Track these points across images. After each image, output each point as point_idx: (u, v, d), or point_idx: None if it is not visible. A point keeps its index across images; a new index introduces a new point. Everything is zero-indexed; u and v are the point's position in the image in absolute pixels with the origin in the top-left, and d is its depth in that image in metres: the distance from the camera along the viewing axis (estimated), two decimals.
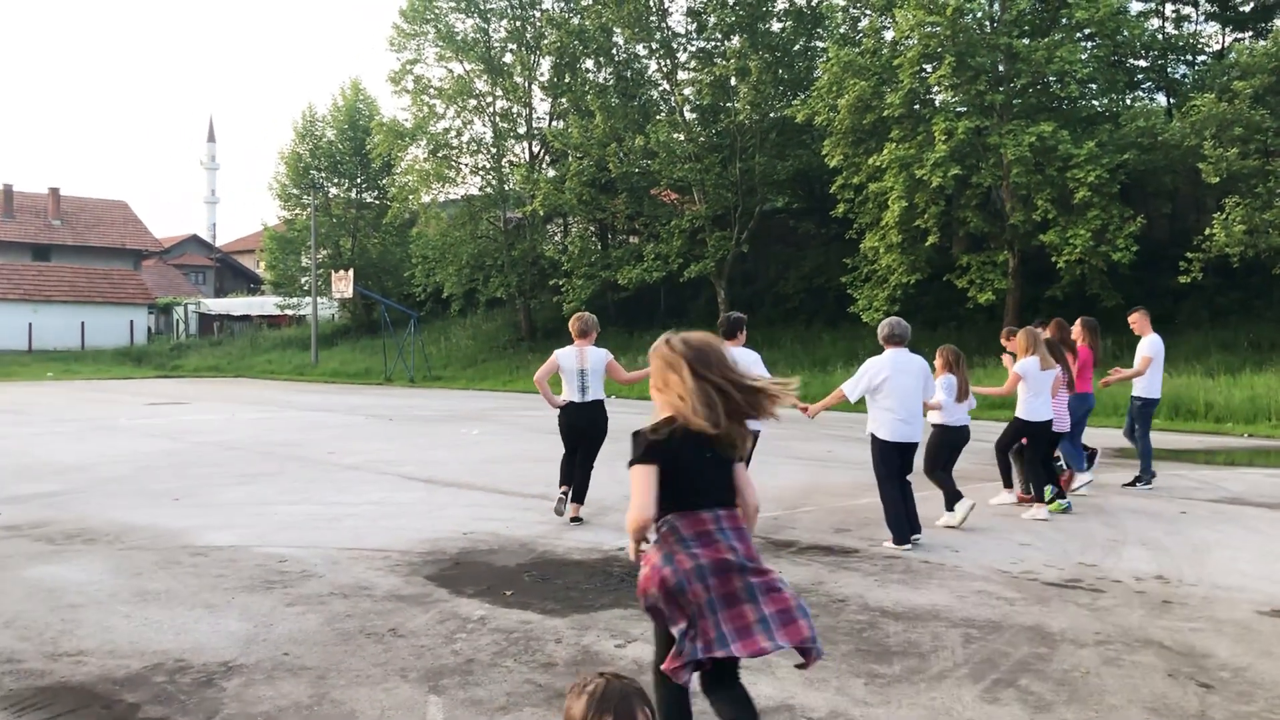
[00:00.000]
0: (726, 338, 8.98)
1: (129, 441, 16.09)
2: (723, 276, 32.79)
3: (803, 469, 12.70)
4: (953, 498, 9.02)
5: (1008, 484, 10.42)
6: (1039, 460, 9.74)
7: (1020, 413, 9.63)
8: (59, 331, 50.94)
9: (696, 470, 3.72)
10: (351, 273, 39.41)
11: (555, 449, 9.58)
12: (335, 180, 47.73)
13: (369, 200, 47.97)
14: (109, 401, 25.94)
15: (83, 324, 51.86)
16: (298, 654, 5.41)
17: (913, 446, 8.29)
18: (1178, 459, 14.04)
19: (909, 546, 8.03)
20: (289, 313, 50.90)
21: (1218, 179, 22.48)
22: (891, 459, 8.21)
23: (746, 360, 8.81)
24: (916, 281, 26.47)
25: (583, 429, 9.19)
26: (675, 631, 3.63)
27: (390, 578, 7.06)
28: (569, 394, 9.13)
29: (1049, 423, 9.67)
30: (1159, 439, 16.31)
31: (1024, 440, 9.92)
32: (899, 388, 8.15)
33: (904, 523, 8.11)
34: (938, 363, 9.14)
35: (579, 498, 9.21)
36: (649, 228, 35.39)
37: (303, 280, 47.54)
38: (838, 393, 8.59)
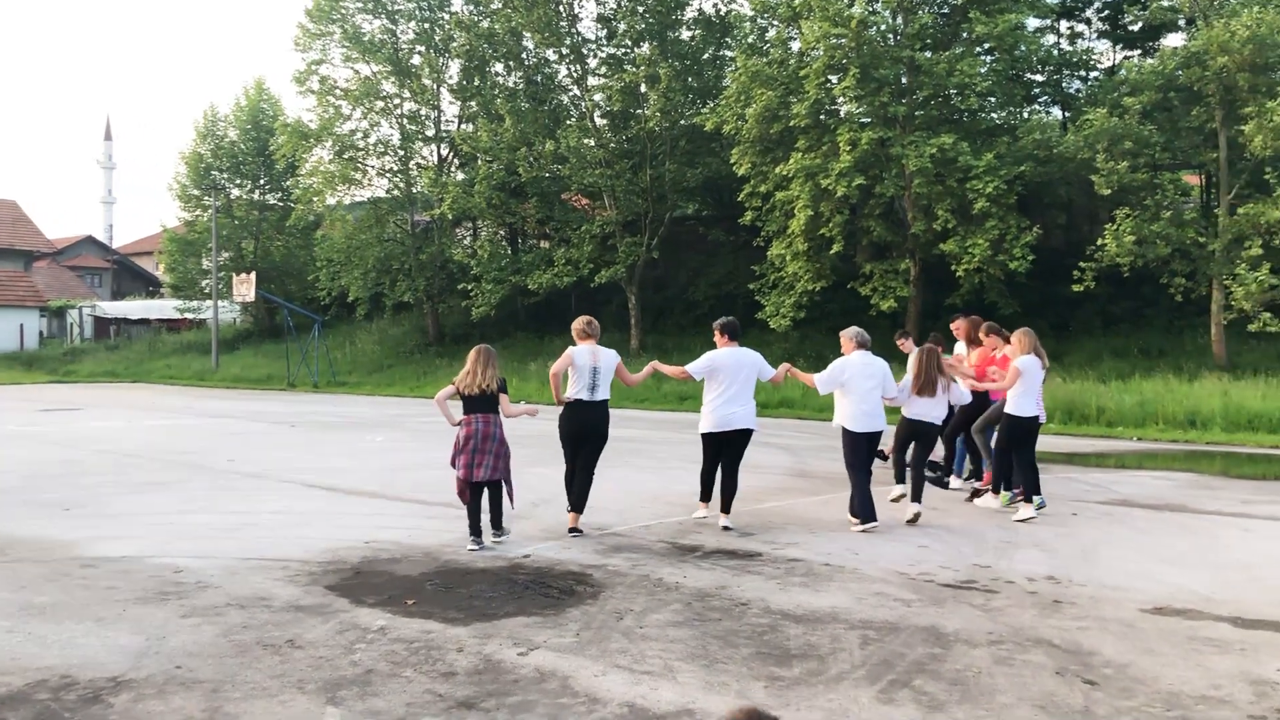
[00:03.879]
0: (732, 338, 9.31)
1: (18, 449, 15.50)
2: (633, 282, 32.90)
3: None
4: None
5: (996, 488, 10.47)
6: (1025, 460, 9.89)
7: (1009, 409, 9.88)
8: None
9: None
10: (254, 276, 38.53)
11: None
12: (238, 181, 46.70)
13: (272, 202, 47.02)
14: None
15: None
16: (191, 667, 5.28)
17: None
18: (1070, 462, 14.49)
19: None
20: (189, 316, 49.52)
21: (1109, 191, 23.30)
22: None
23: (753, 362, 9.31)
24: (822, 289, 26.93)
25: (589, 428, 8.88)
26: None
27: (289, 588, 6.93)
28: (575, 391, 8.85)
29: (1035, 418, 9.96)
30: (1054, 442, 16.84)
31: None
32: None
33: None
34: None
35: (579, 507, 8.96)
36: (559, 233, 35.36)
37: (203, 283, 46.40)
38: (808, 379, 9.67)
